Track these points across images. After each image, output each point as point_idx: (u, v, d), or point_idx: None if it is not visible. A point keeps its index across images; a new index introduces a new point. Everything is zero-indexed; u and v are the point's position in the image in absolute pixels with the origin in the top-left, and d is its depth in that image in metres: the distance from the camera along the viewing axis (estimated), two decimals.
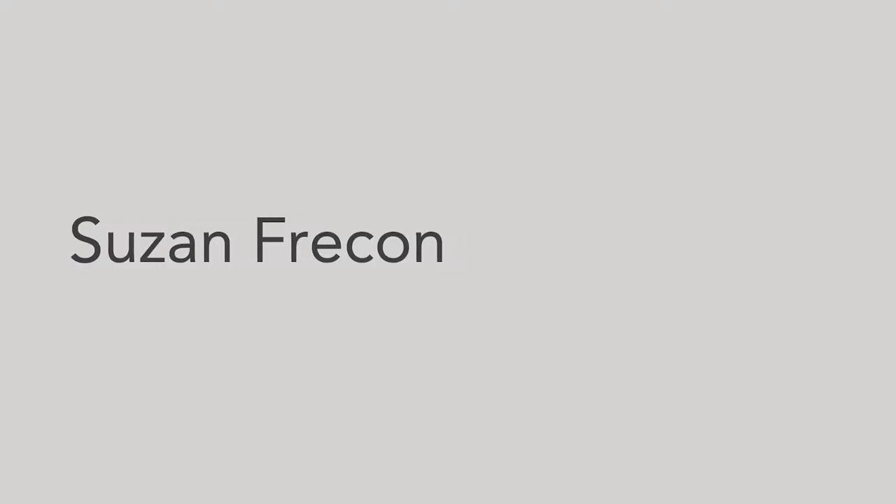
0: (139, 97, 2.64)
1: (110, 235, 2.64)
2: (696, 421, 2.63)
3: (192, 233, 2.65)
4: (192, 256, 2.64)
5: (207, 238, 2.65)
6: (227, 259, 2.65)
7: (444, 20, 2.66)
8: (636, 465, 2.63)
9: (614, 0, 2.63)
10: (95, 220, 2.64)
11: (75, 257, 2.64)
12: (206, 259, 2.65)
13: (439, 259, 2.65)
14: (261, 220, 2.65)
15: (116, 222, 2.63)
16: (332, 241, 2.66)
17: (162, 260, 2.65)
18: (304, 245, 2.65)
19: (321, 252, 2.66)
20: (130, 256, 2.64)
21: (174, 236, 2.65)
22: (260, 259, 2.65)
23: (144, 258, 2.64)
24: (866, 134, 2.62)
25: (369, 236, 2.66)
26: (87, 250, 2.63)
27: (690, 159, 2.65)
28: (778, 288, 2.63)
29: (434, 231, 2.65)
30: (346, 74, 2.66)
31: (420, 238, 2.65)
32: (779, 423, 2.62)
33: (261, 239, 2.65)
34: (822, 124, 2.61)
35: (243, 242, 2.65)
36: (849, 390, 2.62)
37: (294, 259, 2.65)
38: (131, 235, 2.64)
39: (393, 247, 2.66)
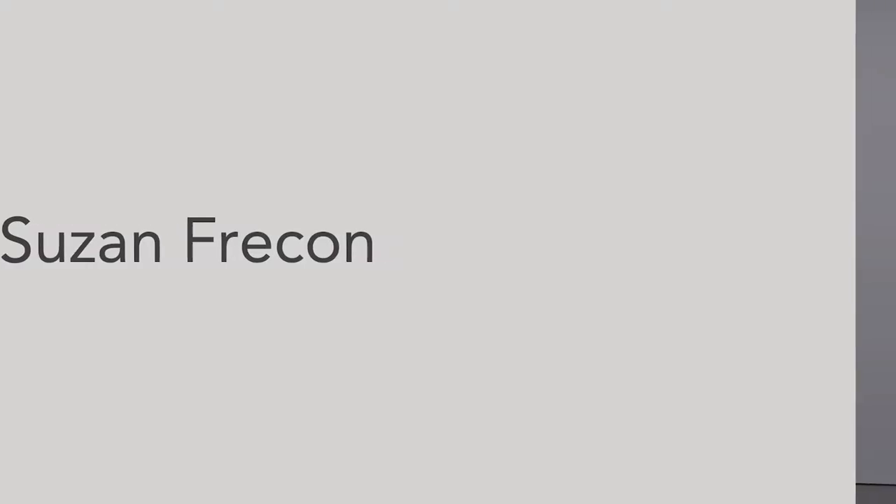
0: (69, 98, 2.61)
1: (40, 235, 2.62)
2: (622, 410, 2.61)
3: (122, 233, 2.62)
4: (122, 256, 2.62)
5: (137, 238, 2.63)
6: (157, 259, 2.63)
7: (372, 20, 2.61)
8: (563, 461, 2.61)
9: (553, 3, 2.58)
10: (25, 220, 2.62)
11: (5, 257, 2.62)
12: (137, 259, 2.63)
13: (369, 259, 2.62)
14: (191, 220, 2.62)
15: (46, 222, 2.61)
16: (262, 241, 2.63)
17: (92, 260, 2.63)
18: (235, 245, 2.63)
19: (251, 252, 2.63)
20: (60, 256, 2.62)
21: (104, 236, 2.63)
22: (190, 259, 2.63)
23: (75, 258, 2.62)
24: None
25: (299, 236, 2.63)
26: (17, 250, 2.62)
27: (620, 157, 2.60)
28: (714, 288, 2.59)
29: (364, 231, 2.62)
30: (275, 75, 2.62)
31: (350, 238, 2.62)
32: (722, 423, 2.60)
33: (191, 239, 2.63)
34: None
35: (173, 242, 2.63)
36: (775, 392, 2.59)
37: (224, 259, 2.63)
38: (61, 235, 2.62)
39: (323, 247, 2.63)
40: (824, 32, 2.56)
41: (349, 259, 2.62)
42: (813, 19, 2.56)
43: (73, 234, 2.62)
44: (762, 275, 2.58)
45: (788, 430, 2.60)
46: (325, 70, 2.61)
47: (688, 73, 2.58)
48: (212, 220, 2.62)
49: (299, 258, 2.62)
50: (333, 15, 2.61)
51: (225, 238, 2.62)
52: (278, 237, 2.62)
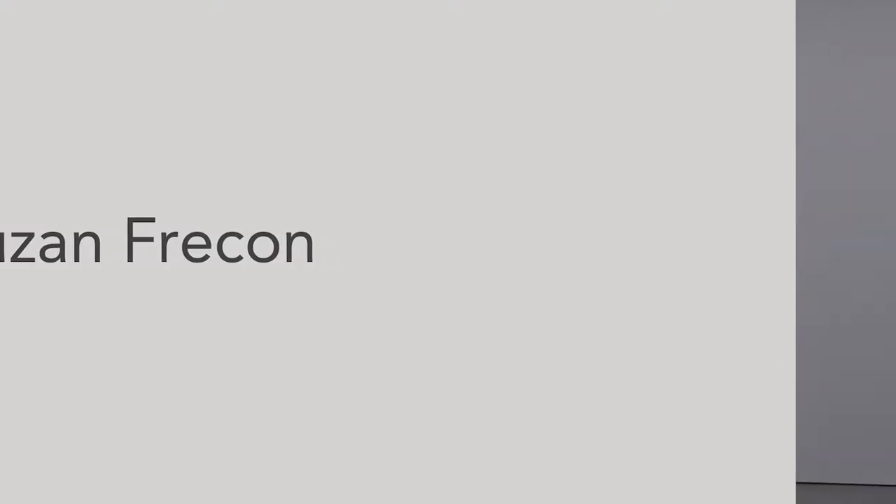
0: (7, 100, 2.60)
1: None
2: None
3: (62, 233, 2.61)
4: (62, 256, 2.61)
5: (78, 238, 2.62)
6: (97, 259, 2.62)
7: (308, 22, 2.62)
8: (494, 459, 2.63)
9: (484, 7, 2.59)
10: None
11: None
12: (77, 259, 2.62)
13: (309, 259, 2.63)
14: (131, 221, 2.62)
15: None
16: (202, 242, 2.63)
17: (32, 260, 2.61)
18: (175, 245, 2.62)
19: (191, 252, 2.63)
20: (0, 256, 2.61)
21: (44, 236, 2.62)
22: (130, 259, 2.62)
23: (15, 258, 2.61)
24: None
25: (239, 236, 2.63)
26: None
27: (574, 157, 2.62)
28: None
29: (304, 231, 2.62)
30: (214, 75, 2.62)
31: (290, 238, 2.63)
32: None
33: (131, 239, 2.62)
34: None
35: (113, 242, 2.62)
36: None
37: (164, 259, 2.62)
38: (1, 236, 2.61)
39: (263, 247, 2.63)
40: (765, 36, 2.60)
41: (289, 259, 2.62)
42: (754, 24, 2.59)
43: (14, 235, 2.61)
44: (705, 274, 2.61)
45: (731, 427, 2.62)
46: (262, 70, 2.62)
47: (636, 74, 2.61)
48: (152, 220, 2.62)
49: (239, 258, 2.62)
50: (273, 14, 2.62)
51: (165, 238, 2.62)
52: (218, 237, 2.62)
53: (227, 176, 2.62)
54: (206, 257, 2.62)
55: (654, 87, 2.60)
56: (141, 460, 2.62)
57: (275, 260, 2.62)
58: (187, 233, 2.62)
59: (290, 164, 2.62)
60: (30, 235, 2.61)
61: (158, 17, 2.60)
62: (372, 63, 2.61)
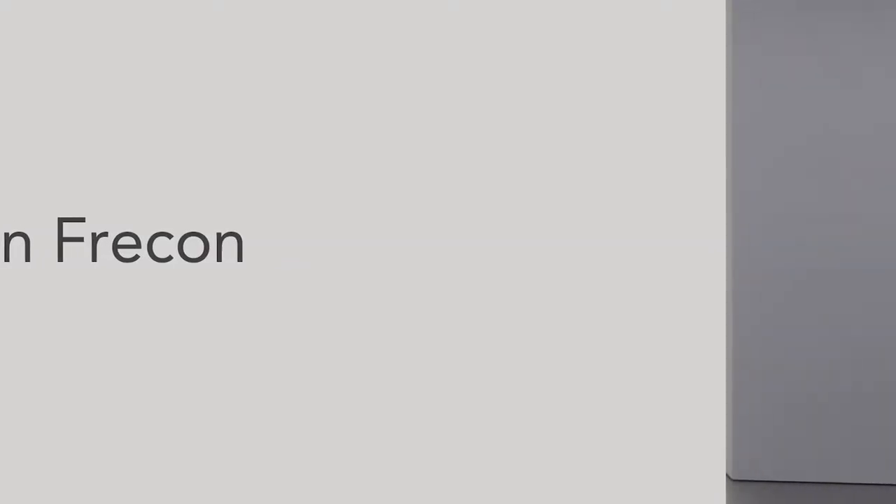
0: None
1: None
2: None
3: None
4: None
5: (8, 238, 2.60)
6: (27, 259, 2.60)
7: (244, 22, 2.61)
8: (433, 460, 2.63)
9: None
10: None
11: None
12: (7, 259, 2.60)
13: (240, 259, 2.62)
14: (61, 221, 2.60)
15: None
16: (132, 242, 2.61)
17: None
18: (105, 245, 2.61)
19: (121, 252, 2.62)
20: None
21: None
22: (60, 259, 2.60)
23: None
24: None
25: (170, 236, 2.62)
26: None
27: (497, 158, 2.63)
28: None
29: (234, 231, 2.62)
30: (142, 75, 2.61)
31: (220, 238, 2.62)
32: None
33: (61, 239, 2.60)
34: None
35: (43, 242, 2.60)
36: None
37: (95, 259, 2.61)
38: None
39: (193, 247, 2.62)
40: (695, 39, 2.62)
41: (219, 259, 2.61)
42: (684, 29, 2.61)
43: None
44: (635, 275, 2.62)
45: (661, 425, 2.64)
46: (191, 68, 2.61)
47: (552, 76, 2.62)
48: (82, 220, 2.60)
49: (169, 258, 2.61)
50: (208, 13, 2.61)
51: (95, 238, 2.61)
52: (148, 237, 2.61)
53: (157, 176, 2.61)
54: (136, 257, 2.61)
55: (584, 89, 2.62)
56: (65, 462, 2.60)
57: (205, 260, 2.61)
58: (117, 233, 2.60)
59: (221, 165, 2.61)
60: None
61: (89, 18, 2.59)
62: (297, 61, 2.61)
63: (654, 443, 2.62)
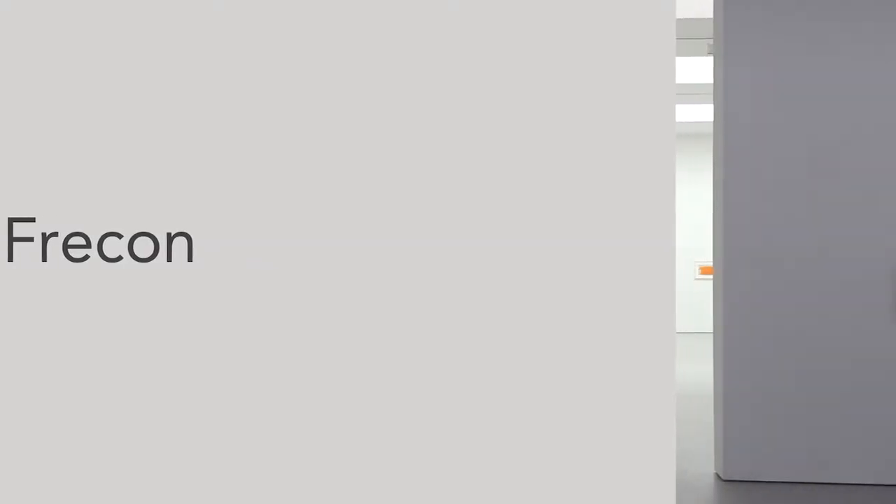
0: None
1: None
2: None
3: None
4: None
5: None
6: None
7: (189, 24, 2.60)
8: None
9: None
10: None
11: None
12: None
13: (189, 259, 2.60)
14: (11, 221, 2.59)
15: None
16: (82, 242, 2.60)
17: None
18: (55, 245, 2.60)
19: (72, 252, 2.60)
20: None
21: None
22: (10, 259, 2.59)
23: None
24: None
25: (120, 236, 2.60)
26: None
27: (426, 161, 2.61)
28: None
29: (184, 231, 2.60)
30: (92, 76, 2.59)
31: (170, 238, 2.60)
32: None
33: (11, 239, 2.59)
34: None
35: None
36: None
37: (45, 259, 2.59)
38: None
39: (143, 247, 2.61)
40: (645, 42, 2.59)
41: (169, 259, 2.60)
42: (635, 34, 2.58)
43: None
44: (586, 273, 2.60)
45: (610, 427, 2.62)
46: (141, 69, 2.59)
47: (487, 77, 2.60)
48: (32, 220, 2.59)
49: (119, 258, 2.60)
50: (159, 22, 2.60)
51: (45, 238, 2.59)
52: (99, 237, 2.59)
53: (107, 176, 2.59)
54: (86, 257, 2.60)
55: (534, 92, 2.60)
56: (9, 460, 2.59)
57: (155, 260, 2.59)
58: (67, 233, 2.59)
59: (171, 165, 2.59)
60: None
61: (35, 20, 2.57)
62: (245, 63, 2.59)
63: (605, 441, 2.59)
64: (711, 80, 9.17)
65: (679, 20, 8.72)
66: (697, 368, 8.32)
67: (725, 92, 6.08)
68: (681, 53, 10.05)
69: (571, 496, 2.58)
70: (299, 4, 2.58)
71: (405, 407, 2.59)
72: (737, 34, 6.08)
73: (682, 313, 15.11)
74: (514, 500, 2.57)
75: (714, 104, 6.29)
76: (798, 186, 6.01)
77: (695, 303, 13.44)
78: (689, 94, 11.50)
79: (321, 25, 2.59)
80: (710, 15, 7.67)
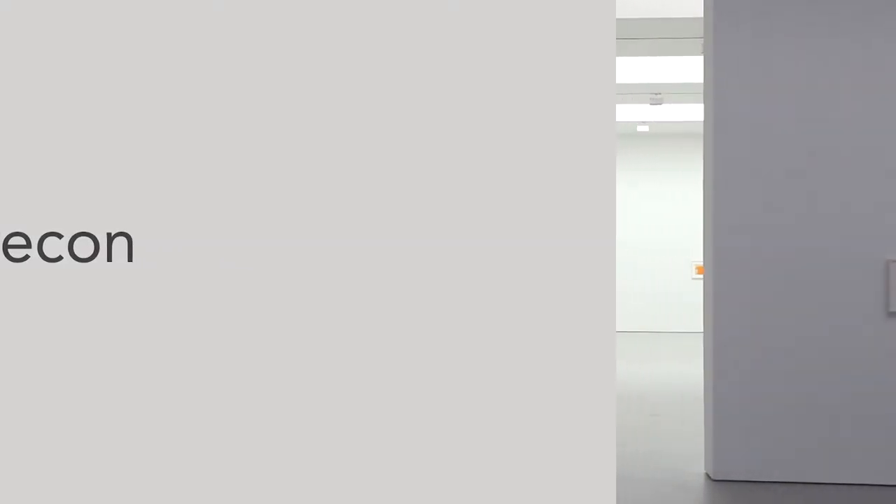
0: None
1: None
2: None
3: None
4: None
5: None
6: None
7: (126, 29, 2.57)
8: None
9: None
10: None
11: None
12: None
13: (129, 259, 2.58)
14: None
15: None
16: (22, 242, 2.57)
17: None
18: None
19: (12, 252, 2.58)
20: None
21: None
22: None
23: None
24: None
25: (60, 236, 2.57)
26: None
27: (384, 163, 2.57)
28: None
29: (125, 231, 2.58)
30: (35, 75, 2.57)
31: (111, 238, 2.57)
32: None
33: None
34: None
35: None
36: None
37: None
38: None
39: (83, 247, 2.58)
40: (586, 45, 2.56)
41: (109, 259, 2.57)
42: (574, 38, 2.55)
43: None
44: (526, 273, 2.56)
45: (551, 423, 2.58)
46: (84, 68, 2.57)
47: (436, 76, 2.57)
48: None
49: (60, 258, 2.57)
50: (98, 20, 2.57)
51: None
52: (39, 237, 2.57)
53: (47, 176, 2.57)
54: (26, 257, 2.57)
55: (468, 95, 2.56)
56: None
57: (95, 260, 2.57)
58: (7, 233, 2.56)
59: (111, 165, 2.57)
60: None
61: None
62: (185, 63, 2.57)
63: (545, 441, 2.55)
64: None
65: (674, 19, 8.65)
66: (696, 369, 8.27)
67: (715, 91, 6.03)
68: (679, 53, 9.98)
69: (512, 494, 2.54)
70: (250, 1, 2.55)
71: (352, 405, 2.56)
72: (726, 33, 6.03)
73: (679, 313, 15.01)
74: (455, 497, 2.53)
75: (704, 103, 6.24)
76: (788, 185, 5.95)
77: (693, 302, 13.37)
78: (690, 93, 11.42)
79: (273, 23, 2.57)
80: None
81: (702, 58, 8.12)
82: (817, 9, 5.97)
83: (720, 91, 6.03)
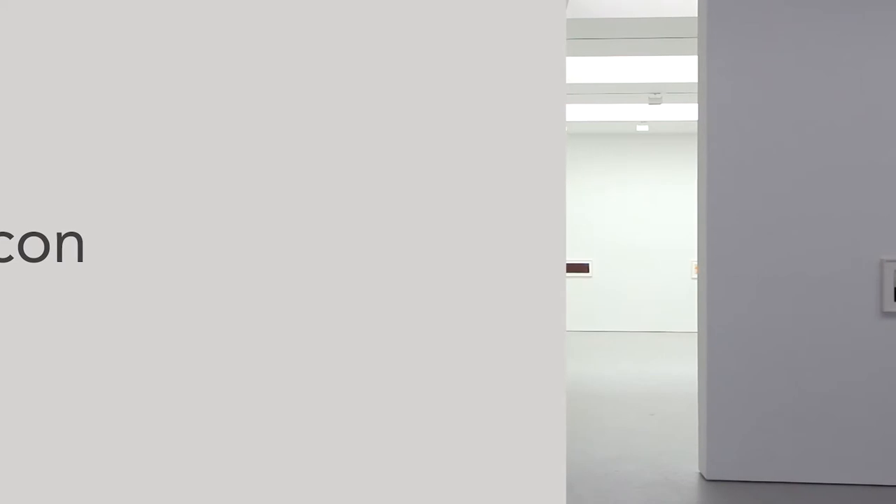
0: None
1: None
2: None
3: None
4: None
5: None
6: None
7: (66, 17, 2.49)
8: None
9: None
10: None
11: None
12: None
13: (80, 259, 2.50)
14: None
15: None
16: None
17: None
18: None
19: None
20: None
21: None
22: None
23: None
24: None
25: (10, 236, 2.49)
26: None
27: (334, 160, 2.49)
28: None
29: (75, 231, 2.50)
30: None
31: (61, 238, 2.49)
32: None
33: None
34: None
35: None
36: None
37: None
38: None
39: (33, 247, 2.50)
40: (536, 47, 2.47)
41: (59, 259, 2.49)
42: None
43: None
44: (474, 272, 2.47)
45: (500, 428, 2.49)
46: (25, 68, 2.48)
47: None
48: None
49: (10, 258, 2.49)
50: (42, 16, 2.49)
51: None
52: None
53: None
54: None
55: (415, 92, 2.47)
56: None
57: (45, 260, 2.48)
58: None
59: (61, 165, 2.48)
60: None
61: None
62: (137, 60, 2.48)
63: (494, 442, 2.47)
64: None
65: (675, 19, 8.58)
66: (695, 368, 8.23)
67: (709, 92, 5.98)
68: (679, 53, 9.90)
69: (459, 494, 2.46)
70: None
71: (296, 404, 2.47)
72: (720, 35, 5.97)
73: (679, 313, 14.92)
74: (399, 496, 2.45)
75: (698, 104, 6.18)
76: (782, 185, 5.89)
77: (693, 302, 13.28)
78: (690, 93, 11.35)
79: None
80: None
81: None
82: (811, 11, 5.90)
83: (714, 92, 5.97)
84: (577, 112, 13.88)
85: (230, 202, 2.48)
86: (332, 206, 2.47)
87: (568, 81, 11.63)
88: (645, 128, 14.34)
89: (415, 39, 2.44)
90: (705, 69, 6.01)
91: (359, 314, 2.46)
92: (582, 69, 11.56)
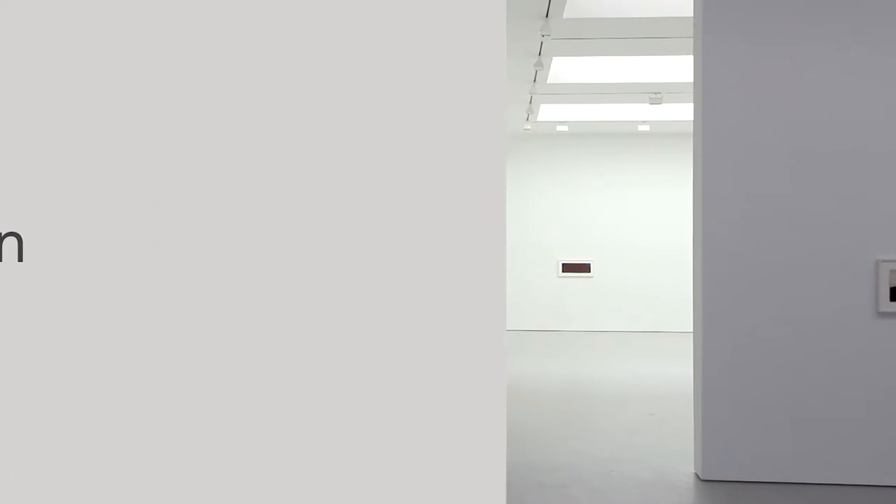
0: None
1: None
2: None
3: None
4: None
5: None
6: None
7: (20, 26, 2.37)
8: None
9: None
10: None
11: None
12: None
13: (20, 259, 2.39)
14: None
15: None
16: None
17: None
18: None
19: None
20: None
21: None
22: None
23: None
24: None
25: None
26: None
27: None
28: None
29: (15, 231, 2.39)
30: None
31: (1, 238, 2.38)
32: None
33: None
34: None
35: None
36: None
37: None
38: None
39: None
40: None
41: (0, 259, 2.38)
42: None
43: None
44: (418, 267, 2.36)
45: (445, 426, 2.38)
46: None
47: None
48: None
49: None
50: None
51: None
52: None
53: None
54: None
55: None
56: None
57: None
58: None
59: (1, 165, 2.38)
60: None
61: None
62: (74, 62, 2.37)
63: (438, 438, 2.36)
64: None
65: (675, 19, 8.47)
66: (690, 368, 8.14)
67: (704, 92, 5.88)
68: (677, 52, 9.78)
69: (401, 495, 2.35)
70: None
71: (237, 403, 2.36)
72: (715, 35, 5.87)
73: (677, 313, 14.79)
74: (341, 497, 2.34)
75: (694, 104, 6.09)
76: (777, 186, 5.80)
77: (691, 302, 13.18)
78: (691, 92, 11.22)
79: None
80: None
81: None
82: (807, 11, 5.81)
83: (709, 93, 5.87)
84: (577, 112, 13.77)
85: (172, 204, 2.37)
86: (277, 203, 2.35)
87: (568, 81, 11.52)
88: (646, 128, 14.22)
89: (355, 39, 2.35)
90: (700, 69, 5.90)
91: (301, 311, 2.36)
92: (582, 69, 11.45)
